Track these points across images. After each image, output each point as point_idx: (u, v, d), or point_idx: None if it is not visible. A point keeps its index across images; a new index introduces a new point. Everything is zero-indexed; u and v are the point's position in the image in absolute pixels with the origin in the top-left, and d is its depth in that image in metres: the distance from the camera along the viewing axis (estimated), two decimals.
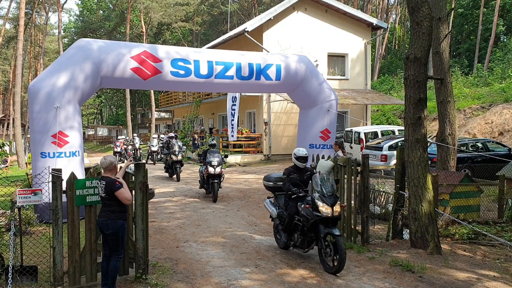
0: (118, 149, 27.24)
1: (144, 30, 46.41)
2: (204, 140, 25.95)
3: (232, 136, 21.61)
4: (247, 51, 13.37)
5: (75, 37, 58.71)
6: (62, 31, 49.34)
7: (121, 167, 6.03)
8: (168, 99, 38.27)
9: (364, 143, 17.69)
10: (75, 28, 65.76)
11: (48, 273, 6.12)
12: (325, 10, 23.91)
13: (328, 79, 20.80)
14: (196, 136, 27.85)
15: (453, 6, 39.66)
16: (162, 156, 20.86)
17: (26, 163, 25.25)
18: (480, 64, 35.71)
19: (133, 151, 28.45)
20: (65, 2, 47.89)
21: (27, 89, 11.88)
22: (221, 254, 7.54)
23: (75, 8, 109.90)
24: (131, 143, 29.33)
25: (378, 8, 52.40)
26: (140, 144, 30.67)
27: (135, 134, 33.70)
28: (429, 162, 8.70)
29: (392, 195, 9.13)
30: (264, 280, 6.23)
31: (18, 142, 26.72)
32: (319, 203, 6.60)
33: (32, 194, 6.12)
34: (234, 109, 21.40)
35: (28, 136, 29.76)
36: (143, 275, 6.16)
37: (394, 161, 12.15)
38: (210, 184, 12.68)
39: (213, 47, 26.48)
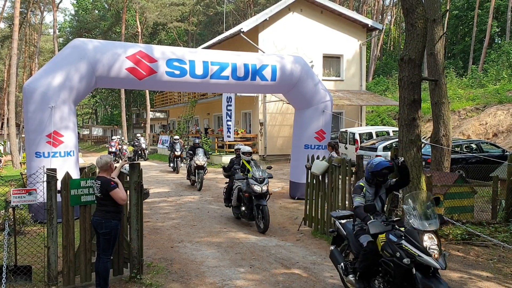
0: (113, 149, 27.24)
1: (139, 30, 46.32)
2: (201, 139, 25.73)
3: (229, 136, 21.60)
4: (243, 52, 13.36)
5: (70, 37, 58.55)
6: (57, 30, 49.19)
7: (115, 167, 6.03)
8: (163, 99, 38.20)
9: (359, 144, 17.74)
10: (70, 28, 65.52)
11: (43, 273, 6.11)
12: (321, 11, 23.95)
13: (323, 80, 20.86)
14: (181, 141, 27.65)
15: (447, 7, 39.86)
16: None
17: (20, 162, 25.13)
18: (474, 66, 35.87)
19: (140, 151, 28.55)
20: (60, 2, 47.66)
21: (21, 88, 11.84)
22: (216, 254, 7.55)
23: (70, 8, 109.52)
24: (136, 143, 29.39)
25: (373, 9, 52.51)
26: (146, 145, 30.71)
27: (138, 134, 33.47)
28: (423, 163, 8.75)
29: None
30: (258, 280, 6.25)
31: (13, 142, 26.63)
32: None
33: (27, 193, 6.11)
34: (230, 110, 21.38)
35: (23, 135, 29.65)
36: (138, 275, 6.16)
37: None
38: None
39: (209, 47, 26.47)
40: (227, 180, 11.34)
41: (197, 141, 16.75)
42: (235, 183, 10.25)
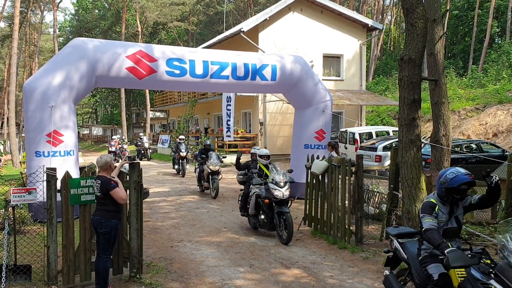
0: (113, 149, 27.25)
1: (139, 29, 46.34)
2: (200, 140, 25.67)
3: (229, 136, 21.61)
4: (243, 51, 13.37)
5: (70, 36, 58.53)
6: (57, 30, 49.21)
7: (115, 167, 6.03)
8: (163, 98, 38.22)
9: (359, 144, 17.74)
10: (71, 27, 65.53)
11: (42, 272, 6.11)
12: (321, 11, 23.96)
13: (323, 79, 20.86)
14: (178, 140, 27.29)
15: (448, 7, 39.85)
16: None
17: (20, 162, 25.14)
18: (474, 66, 35.88)
19: (143, 151, 28.37)
20: (60, 1, 47.66)
21: (21, 88, 11.84)
22: (216, 254, 7.55)
23: (71, 7, 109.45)
24: (139, 142, 29.28)
25: (374, 9, 52.51)
26: (150, 144, 30.20)
27: (141, 133, 33.24)
28: (423, 162, 8.75)
29: (386, 196, 9.17)
30: (258, 280, 6.25)
31: (13, 141, 26.63)
32: None
33: (27, 193, 6.11)
34: (229, 109, 21.41)
35: (23, 135, 29.58)
36: (137, 274, 6.16)
37: (388, 162, 12.21)
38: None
39: (209, 47, 26.47)
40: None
41: (208, 142, 15.13)
42: (252, 189, 9.20)
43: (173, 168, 20.19)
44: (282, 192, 8.32)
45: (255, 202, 8.95)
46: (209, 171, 13.34)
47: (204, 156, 14.15)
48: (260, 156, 9.50)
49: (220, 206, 11.96)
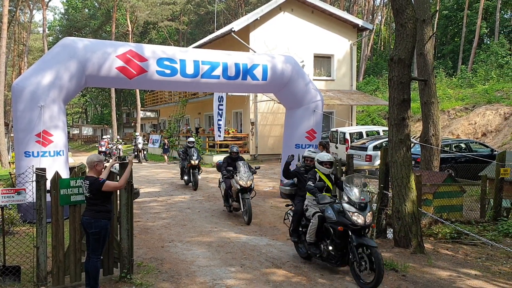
0: (103, 149, 27.02)
1: (130, 29, 46.13)
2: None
3: (219, 136, 21.58)
4: (234, 51, 13.36)
5: (60, 36, 58.12)
6: (46, 29, 48.76)
7: (105, 167, 6.00)
8: (153, 98, 38.08)
9: (349, 143, 17.82)
10: (60, 27, 65.07)
11: (32, 273, 6.07)
12: (312, 11, 24.02)
13: (314, 79, 20.93)
14: (166, 141, 26.46)
15: (437, 8, 40.13)
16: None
17: (9, 162, 24.91)
18: (464, 66, 36.17)
19: (136, 152, 27.45)
20: (49, 0, 47.29)
21: (10, 87, 11.73)
22: (206, 254, 7.54)
23: (60, 6, 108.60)
24: (133, 143, 28.55)
25: (364, 10, 52.73)
26: (144, 144, 28.82)
27: (137, 133, 32.30)
28: (413, 162, 8.81)
29: (376, 195, 9.22)
30: (249, 280, 6.25)
31: (1, 141, 26.36)
32: None
33: (16, 193, 6.07)
34: (221, 109, 21.38)
35: (12, 135, 29.34)
36: (128, 274, 6.14)
37: (378, 161, 12.27)
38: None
39: (200, 46, 26.42)
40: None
41: (235, 149, 11.53)
42: (309, 207, 6.97)
43: (181, 179, 16.17)
44: (363, 218, 6.02)
45: (318, 227, 6.63)
46: (239, 187, 10.12)
47: (230, 168, 10.94)
48: (321, 163, 7.02)
49: (211, 206, 11.95)
